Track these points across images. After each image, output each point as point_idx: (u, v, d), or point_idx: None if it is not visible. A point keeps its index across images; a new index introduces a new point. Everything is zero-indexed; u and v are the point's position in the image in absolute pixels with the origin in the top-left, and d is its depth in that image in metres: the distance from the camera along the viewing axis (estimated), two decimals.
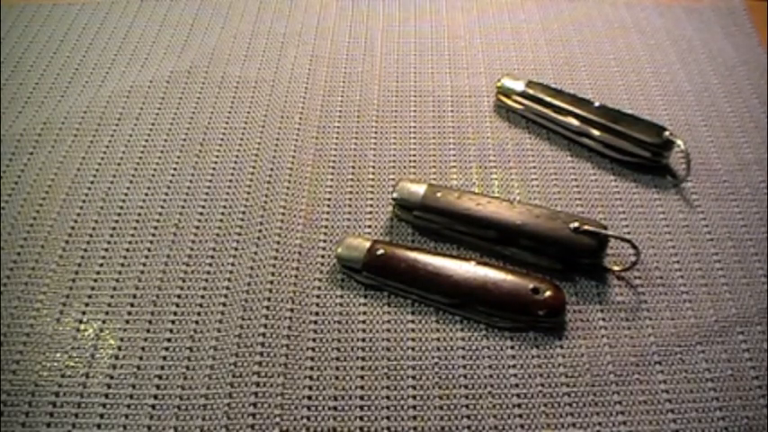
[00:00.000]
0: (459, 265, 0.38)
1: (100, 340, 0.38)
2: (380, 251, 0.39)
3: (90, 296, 0.39)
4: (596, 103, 0.46)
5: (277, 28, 0.57)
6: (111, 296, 0.39)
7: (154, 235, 0.42)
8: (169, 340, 0.37)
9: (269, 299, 0.39)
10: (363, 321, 0.38)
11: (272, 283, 0.39)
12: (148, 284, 0.40)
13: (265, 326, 0.37)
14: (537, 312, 0.36)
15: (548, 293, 0.36)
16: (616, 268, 0.40)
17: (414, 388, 0.35)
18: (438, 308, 0.38)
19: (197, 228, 0.43)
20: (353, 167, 0.46)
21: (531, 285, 0.37)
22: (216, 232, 0.42)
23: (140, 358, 0.37)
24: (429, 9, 0.59)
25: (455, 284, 0.37)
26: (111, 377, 0.36)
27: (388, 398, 0.35)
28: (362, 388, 0.35)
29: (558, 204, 0.43)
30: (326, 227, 0.42)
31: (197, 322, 0.38)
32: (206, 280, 0.40)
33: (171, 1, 0.60)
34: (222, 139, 0.48)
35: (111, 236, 0.42)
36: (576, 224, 0.39)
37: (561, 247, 0.39)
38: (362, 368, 0.36)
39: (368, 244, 0.39)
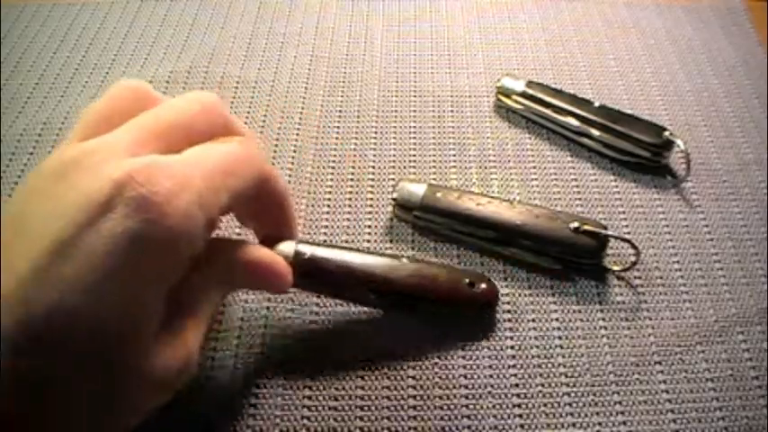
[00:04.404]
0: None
1: None
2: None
3: None
4: (596, 103, 0.46)
5: (277, 28, 0.57)
6: None
7: None
8: None
9: (269, 298, 0.39)
10: None
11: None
12: None
13: (265, 326, 0.37)
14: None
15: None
16: (616, 268, 0.40)
17: (414, 388, 0.35)
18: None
19: None
20: (353, 167, 0.46)
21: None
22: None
23: None
24: (429, 9, 0.59)
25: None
26: None
27: (388, 398, 0.35)
28: (362, 388, 0.35)
29: (558, 204, 0.43)
30: (327, 227, 0.42)
31: None
32: None
33: (171, 1, 0.60)
34: None
35: None
36: (576, 224, 0.39)
37: (561, 248, 0.39)
38: (363, 368, 0.36)
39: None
